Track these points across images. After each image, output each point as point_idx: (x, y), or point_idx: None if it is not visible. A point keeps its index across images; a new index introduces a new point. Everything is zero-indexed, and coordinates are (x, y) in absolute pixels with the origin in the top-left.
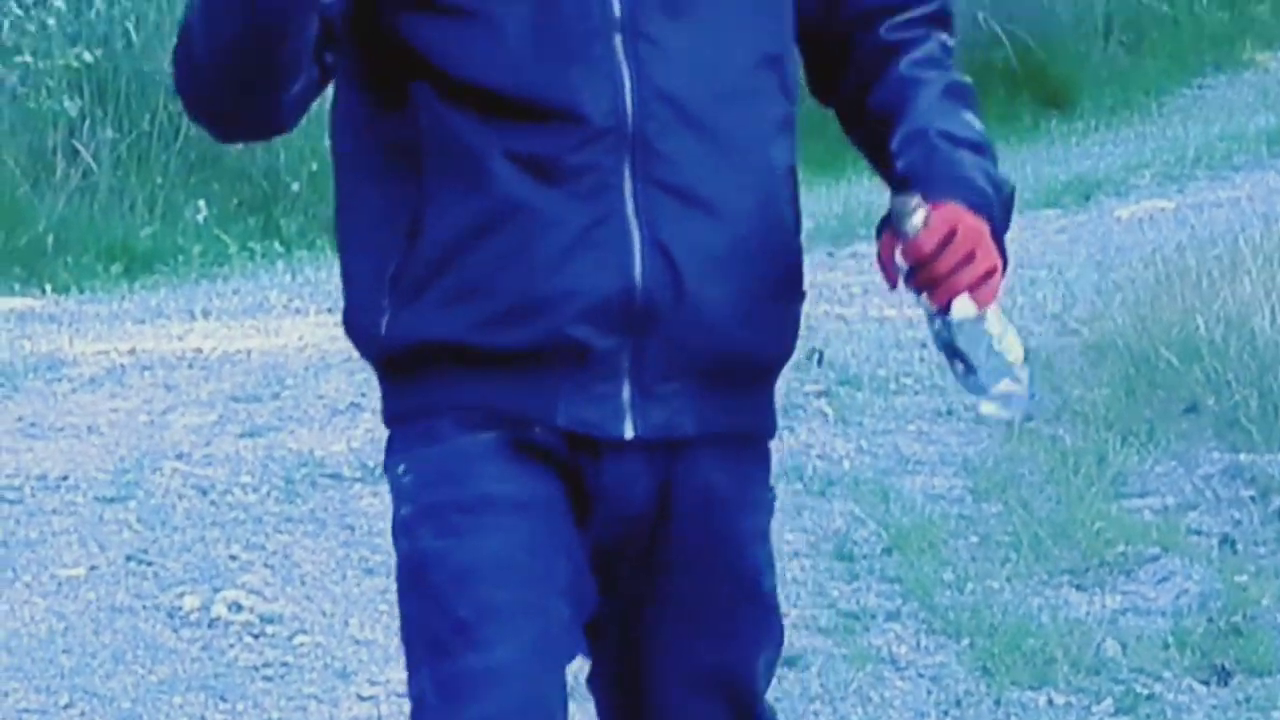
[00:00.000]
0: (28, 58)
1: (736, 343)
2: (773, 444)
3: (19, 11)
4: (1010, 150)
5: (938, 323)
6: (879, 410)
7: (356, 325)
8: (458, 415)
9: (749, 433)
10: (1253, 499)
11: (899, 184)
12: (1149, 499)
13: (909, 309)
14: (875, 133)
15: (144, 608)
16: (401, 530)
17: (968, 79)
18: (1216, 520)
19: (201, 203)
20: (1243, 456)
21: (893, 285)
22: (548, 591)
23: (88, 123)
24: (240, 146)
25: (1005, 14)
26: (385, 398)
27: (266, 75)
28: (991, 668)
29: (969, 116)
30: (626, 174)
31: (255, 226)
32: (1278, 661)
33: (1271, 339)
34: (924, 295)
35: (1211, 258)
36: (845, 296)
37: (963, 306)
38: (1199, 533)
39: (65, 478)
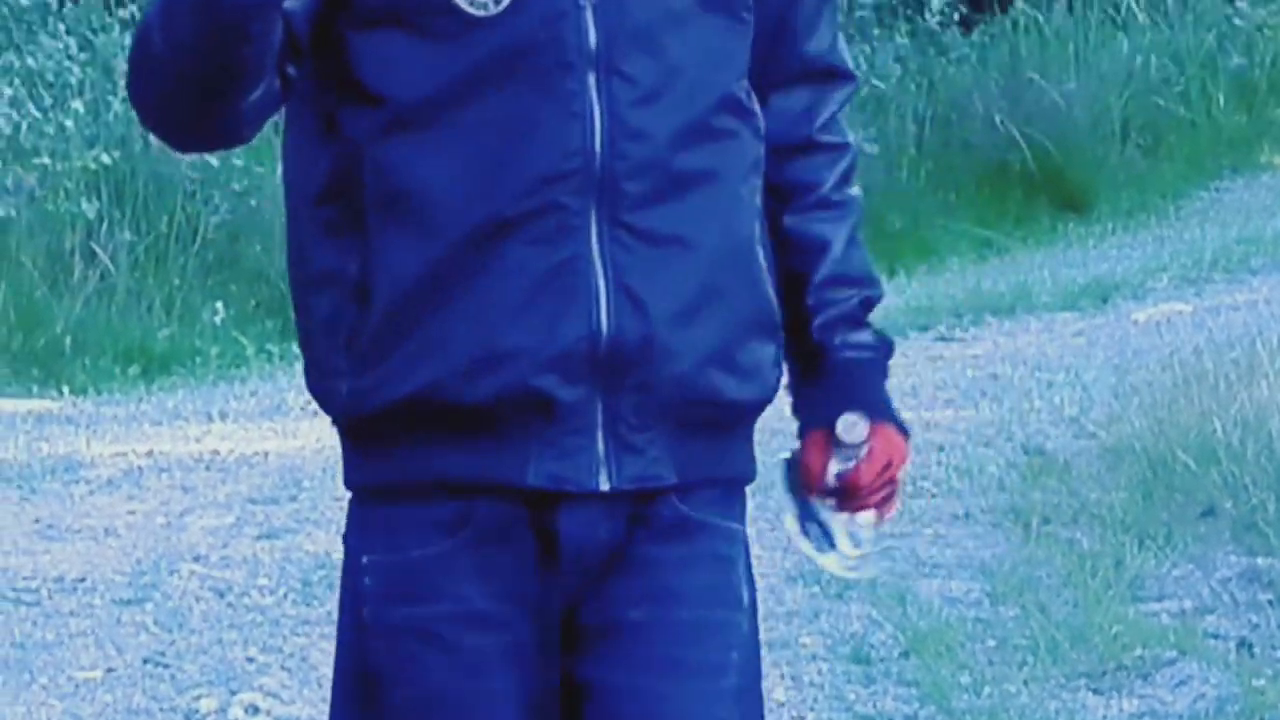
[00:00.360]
0: (46, 160)
1: (712, 387)
2: (789, 548)
3: (37, 114)
4: (1027, 252)
5: (823, 513)
6: (896, 513)
7: (316, 389)
8: (420, 503)
9: (730, 478)
10: (1270, 603)
11: (810, 355)
12: (1166, 602)
13: (924, 411)
14: (784, 267)
15: (161, 710)
16: (355, 628)
17: (854, 192)
18: (1234, 624)
19: (219, 304)
20: (1260, 560)
21: (811, 491)
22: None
23: (105, 225)
24: (257, 248)
25: (1022, 117)
26: (345, 461)
27: (226, 78)
28: None
29: (862, 258)
30: (592, 216)
31: (273, 328)
32: None
33: None
34: (830, 504)
35: (1229, 361)
36: None
37: (867, 519)
38: (1216, 636)
39: (82, 579)
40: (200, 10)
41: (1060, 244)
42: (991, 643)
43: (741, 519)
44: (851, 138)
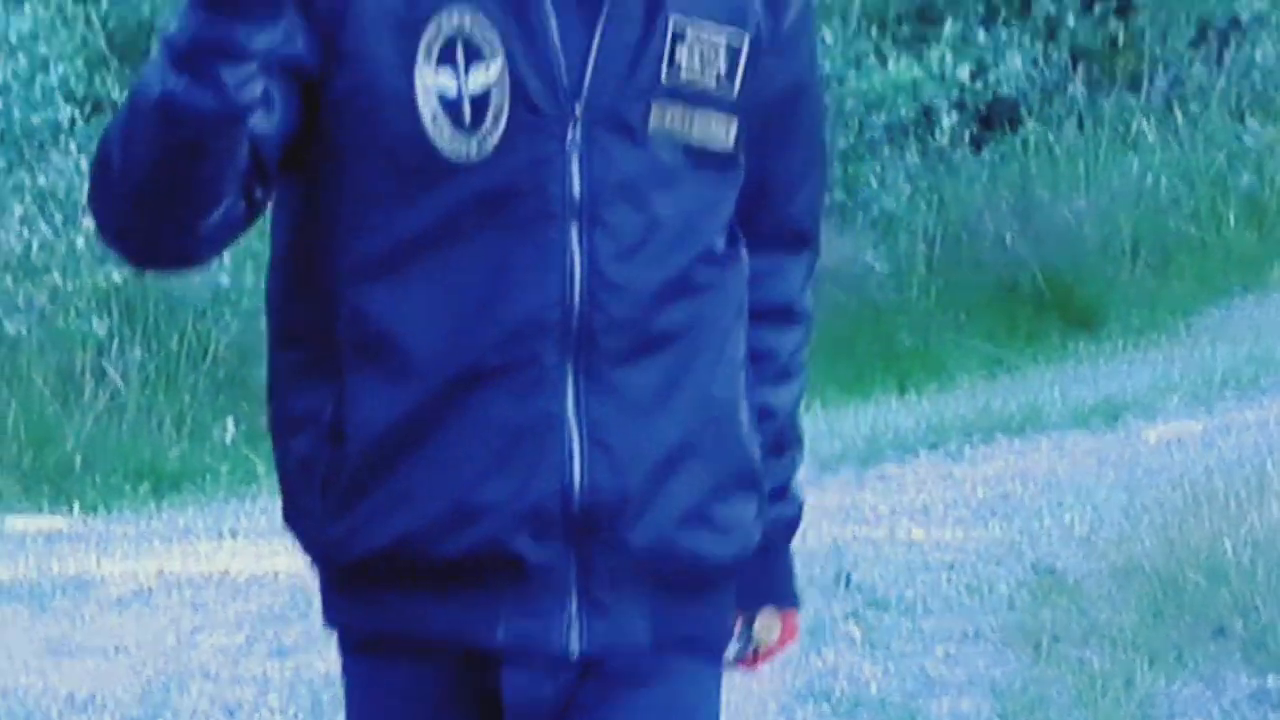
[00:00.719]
0: (57, 278)
1: (690, 546)
2: (801, 666)
3: (48, 231)
4: (1038, 371)
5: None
6: (906, 632)
7: (293, 526)
8: (386, 652)
9: (704, 642)
10: None
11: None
12: None
13: (935, 530)
14: None
15: None
16: None
17: (804, 361)
18: None
19: (229, 422)
20: (1271, 680)
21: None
22: None
23: (116, 343)
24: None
25: (1033, 235)
26: (323, 597)
27: (183, 196)
28: None
29: (792, 419)
30: (569, 370)
31: None
32: None
33: None
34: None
35: (1239, 480)
36: (873, 518)
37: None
38: None
39: (93, 698)
40: (160, 123)
41: (1071, 362)
42: None
43: (713, 650)
44: (812, 310)
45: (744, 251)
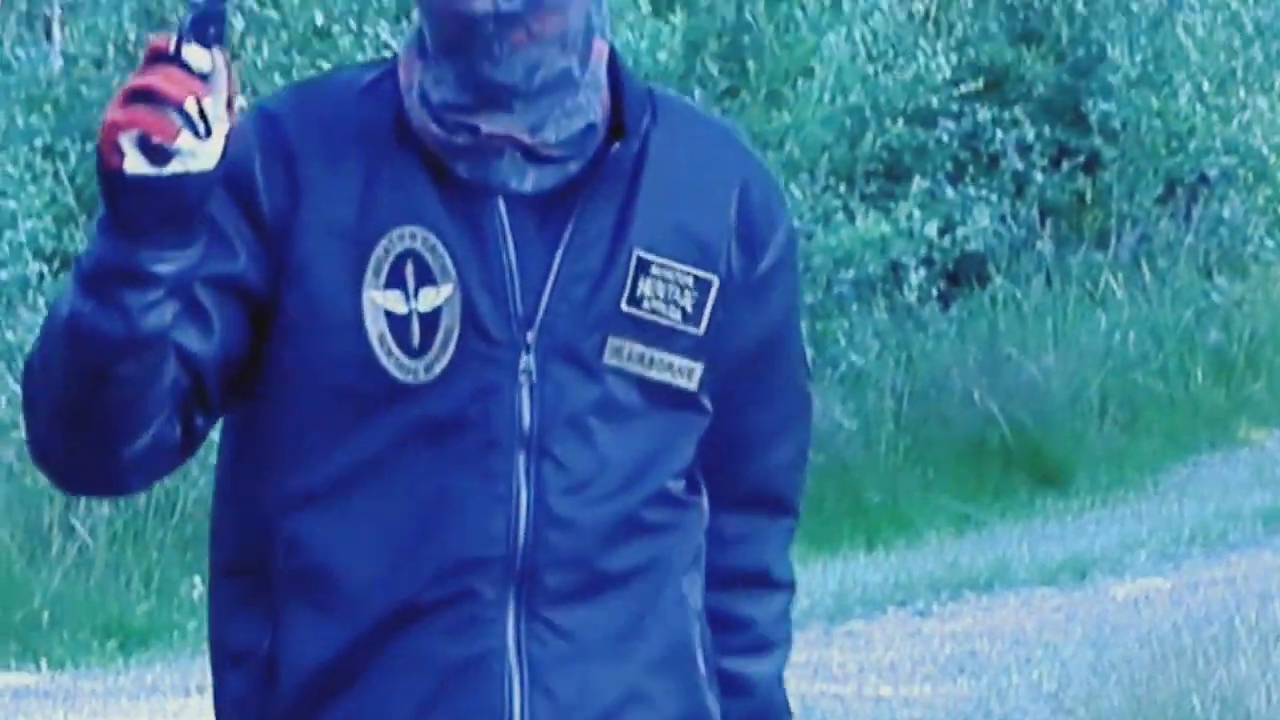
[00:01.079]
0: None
1: None
2: None
3: (15, 388)
4: (1005, 527)
5: None
6: None
7: None
8: None
9: None
10: None
11: None
12: None
13: (903, 687)
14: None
15: None
16: None
17: (788, 631)
18: None
19: (197, 579)
20: None
21: None
22: None
23: (83, 499)
24: None
25: (1001, 392)
26: None
27: (100, 420)
28: None
29: (782, 699)
30: (510, 608)
31: None
32: None
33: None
34: None
35: (1207, 638)
36: (841, 675)
37: None
38: None
39: None
40: (69, 345)
41: (1039, 519)
42: None
43: None
44: (793, 576)
45: (704, 500)
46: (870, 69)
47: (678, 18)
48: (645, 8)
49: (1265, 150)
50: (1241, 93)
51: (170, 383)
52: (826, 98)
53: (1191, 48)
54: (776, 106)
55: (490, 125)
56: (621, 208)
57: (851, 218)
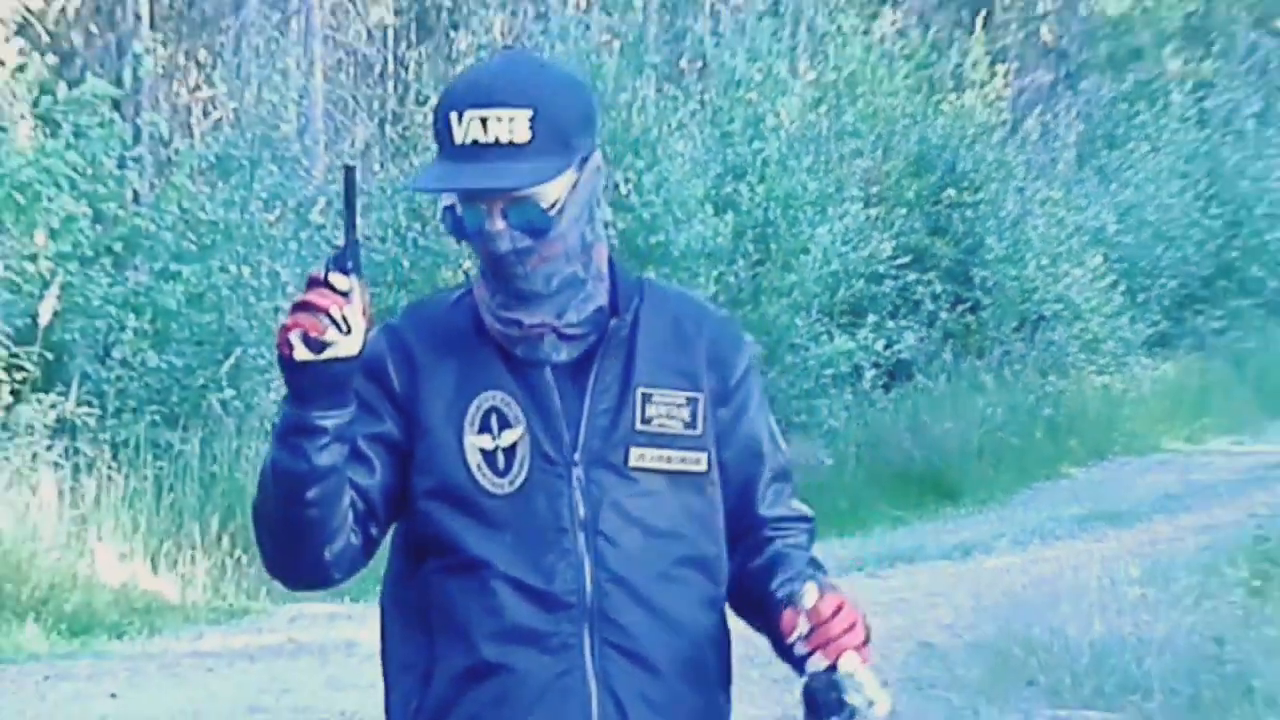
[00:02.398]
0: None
1: None
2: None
3: None
4: (921, 524)
5: (822, 679)
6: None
7: None
8: None
9: None
10: None
11: (781, 605)
12: None
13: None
14: (756, 583)
15: None
16: None
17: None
18: None
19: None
20: (1061, 713)
21: (788, 644)
22: None
23: None
24: None
25: (920, 444)
26: None
27: (303, 533)
28: None
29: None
30: (586, 638)
31: None
32: None
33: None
34: (816, 656)
35: (1044, 592)
36: None
37: (850, 661)
38: None
39: None
40: (273, 482)
41: (941, 519)
42: None
43: None
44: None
45: (726, 556)
46: (843, 249)
47: (729, 216)
48: (710, 210)
49: (1079, 301)
50: (1065, 266)
51: (348, 506)
52: (818, 266)
53: (1035, 239)
54: (788, 270)
55: (529, 318)
56: (625, 362)
57: (832, 338)
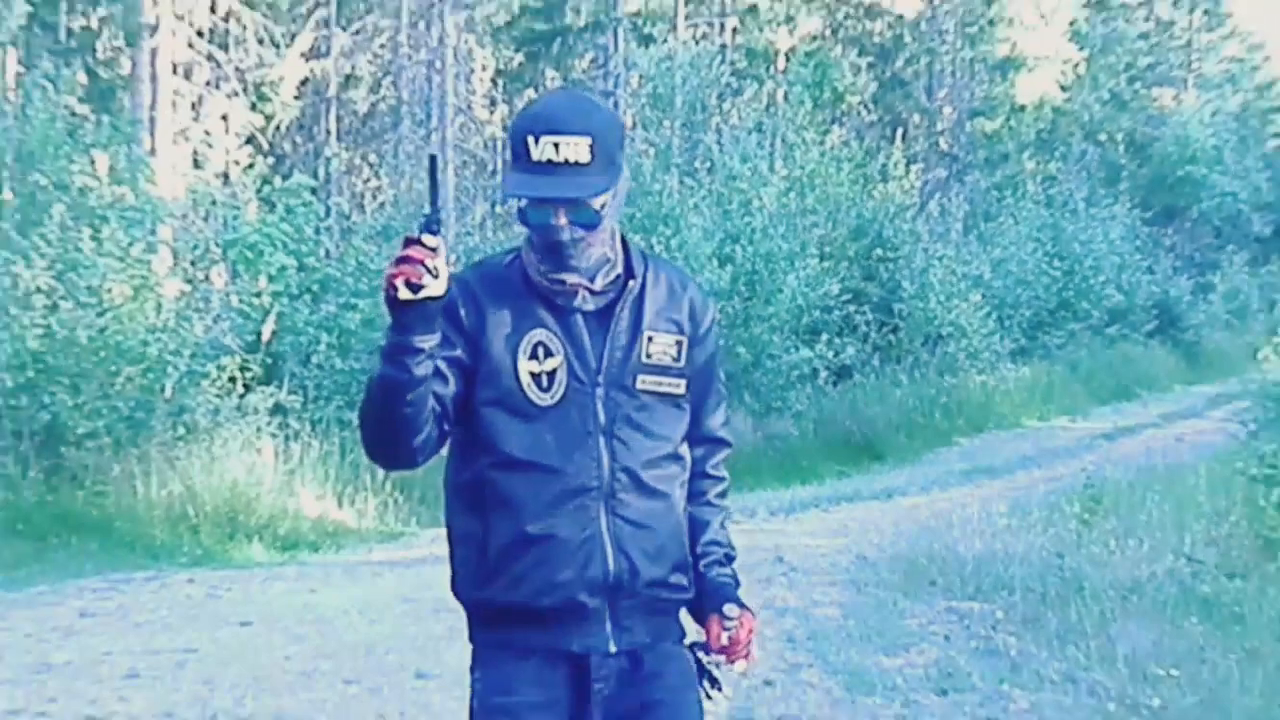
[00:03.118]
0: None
1: (663, 594)
2: (764, 598)
3: None
4: (860, 476)
5: (710, 664)
6: (806, 582)
7: (457, 592)
8: (511, 649)
9: (672, 635)
10: None
11: (703, 578)
12: None
13: (818, 539)
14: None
15: None
16: (471, 710)
17: (726, 500)
18: None
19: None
20: (953, 604)
21: (711, 650)
22: None
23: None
24: None
25: (857, 419)
26: (470, 630)
27: (397, 427)
28: None
29: (727, 534)
30: (602, 511)
31: None
32: None
33: (965, 555)
34: (720, 657)
35: (943, 520)
36: (793, 534)
37: (743, 664)
38: None
39: None
40: (379, 389)
41: (871, 473)
42: None
43: (681, 644)
44: (725, 473)
45: (687, 454)
46: (805, 290)
47: (728, 268)
48: (715, 263)
49: (965, 325)
50: (956, 301)
51: (430, 409)
52: (789, 301)
53: (935, 283)
54: (768, 304)
55: (571, 280)
56: (634, 313)
57: (798, 350)
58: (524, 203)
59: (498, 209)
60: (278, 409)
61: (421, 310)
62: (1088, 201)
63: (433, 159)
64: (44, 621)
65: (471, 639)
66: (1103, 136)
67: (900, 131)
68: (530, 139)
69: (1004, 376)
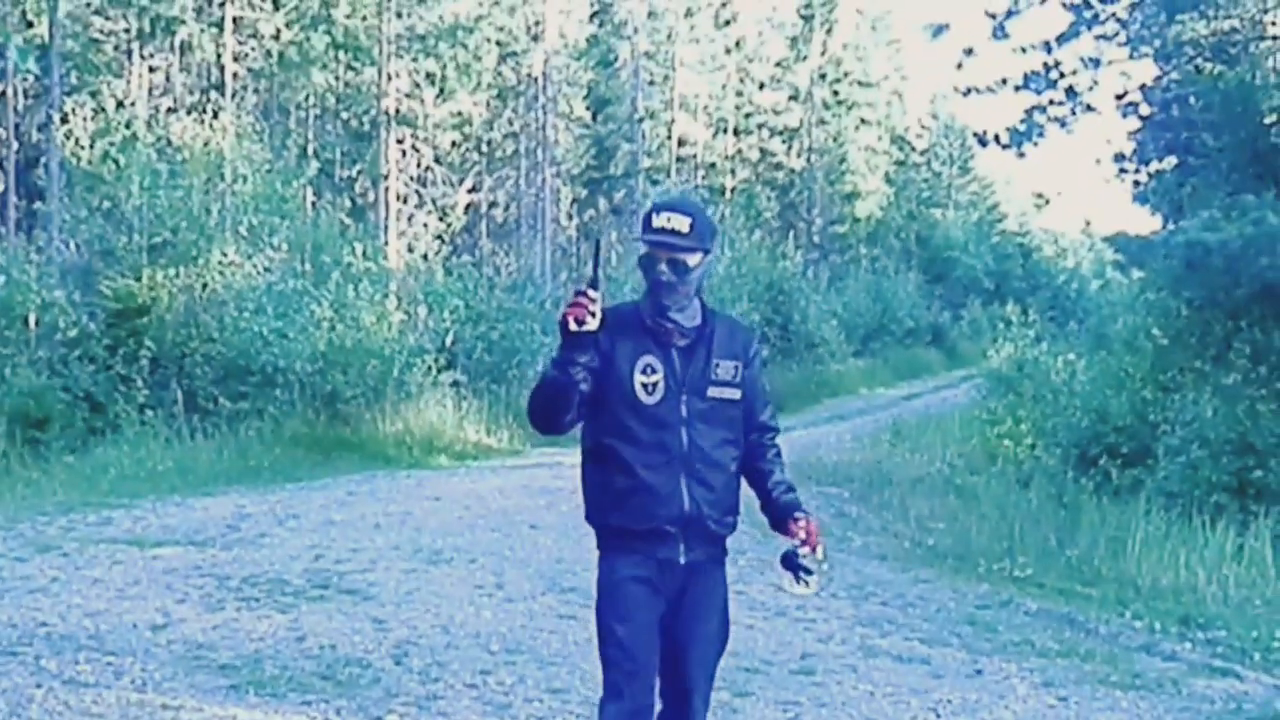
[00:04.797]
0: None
1: (718, 531)
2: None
3: None
4: (808, 413)
5: (803, 557)
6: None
7: (589, 518)
8: (623, 553)
9: (720, 559)
10: None
11: (777, 504)
12: None
13: (794, 454)
14: (758, 475)
15: None
16: (598, 589)
17: (781, 459)
18: None
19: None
20: (849, 494)
21: (804, 543)
22: (650, 638)
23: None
24: None
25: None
26: (598, 540)
27: (556, 410)
28: None
29: (788, 476)
30: (681, 472)
31: None
32: None
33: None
34: (804, 549)
35: (844, 449)
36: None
37: (821, 550)
38: None
39: None
40: (550, 385)
41: (819, 407)
42: None
43: (723, 565)
44: (783, 452)
45: (745, 437)
46: (740, 320)
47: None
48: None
49: (827, 337)
50: (821, 324)
51: (576, 399)
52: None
53: (812, 315)
54: None
55: (669, 323)
56: (707, 347)
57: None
58: (643, 252)
59: (573, 275)
60: (454, 384)
61: (584, 339)
62: (895, 271)
63: (596, 240)
64: (329, 498)
65: (599, 545)
66: (904, 235)
67: (792, 233)
68: (654, 213)
69: (849, 365)
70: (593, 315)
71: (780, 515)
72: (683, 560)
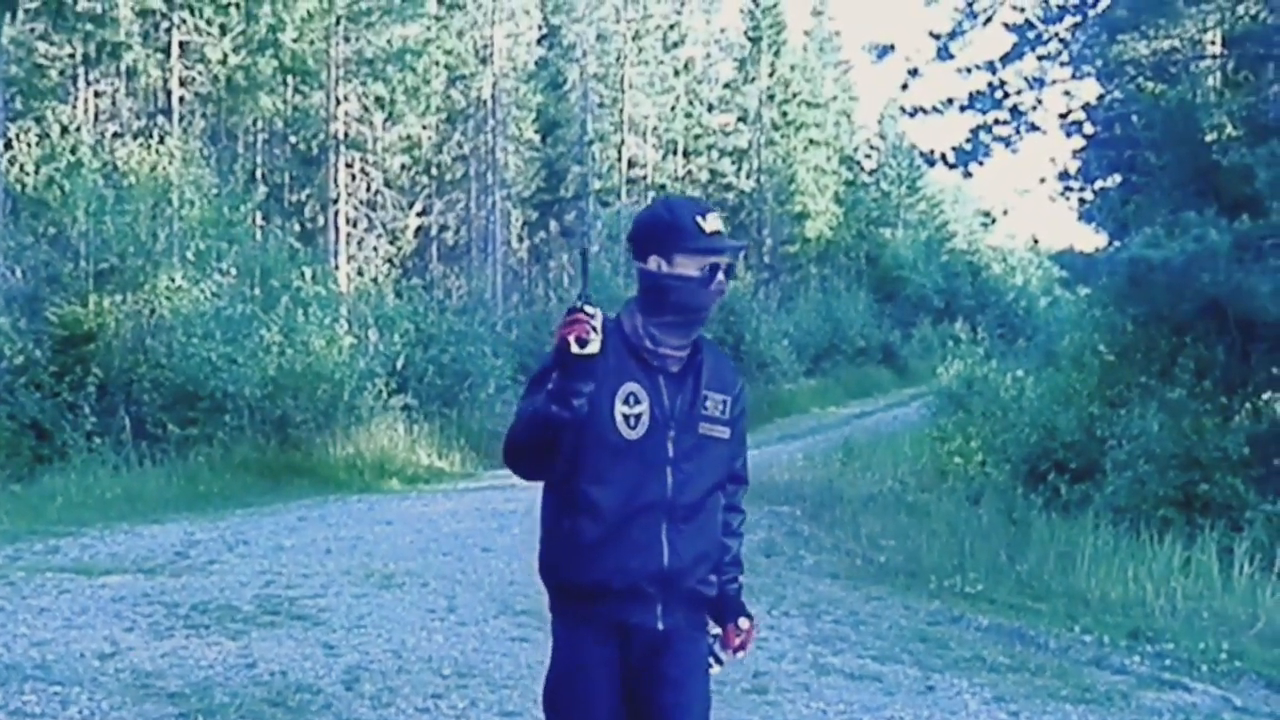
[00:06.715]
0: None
1: (700, 592)
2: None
3: None
4: (779, 426)
5: (718, 650)
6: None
7: (543, 571)
8: (585, 623)
9: (701, 626)
10: None
11: (724, 592)
12: None
13: (757, 474)
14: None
15: None
16: (554, 667)
17: (743, 530)
18: None
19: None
20: (806, 513)
21: (726, 648)
22: (607, 710)
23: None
24: None
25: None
26: (551, 601)
27: (549, 452)
28: None
29: (741, 558)
30: (664, 520)
31: None
32: None
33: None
34: (726, 652)
35: (800, 464)
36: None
37: (743, 654)
38: None
39: None
40: (541, 422)
41: (775, 429)
42: None
43: (705, 633)
44: (744, 507)
45: (726, 486)
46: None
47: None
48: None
49: (779, 356)
50: (773, 343)
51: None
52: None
53: (763, 333)
54: None
55: (670, 346)
56: (696, 377)
57: None
58: (663, 270)
59: (524, 297)
60: (405, 407)
61: (587, 362)
62: (845, 290)
63: (583, 251)
64: (279, 524)
65: (554, 609)
66: (854, 255)
67: (743, 253)
68: (699, 218)
69: (800, 385)
70: (595, 332)
71: (724, 608)
72: (660, 626)
